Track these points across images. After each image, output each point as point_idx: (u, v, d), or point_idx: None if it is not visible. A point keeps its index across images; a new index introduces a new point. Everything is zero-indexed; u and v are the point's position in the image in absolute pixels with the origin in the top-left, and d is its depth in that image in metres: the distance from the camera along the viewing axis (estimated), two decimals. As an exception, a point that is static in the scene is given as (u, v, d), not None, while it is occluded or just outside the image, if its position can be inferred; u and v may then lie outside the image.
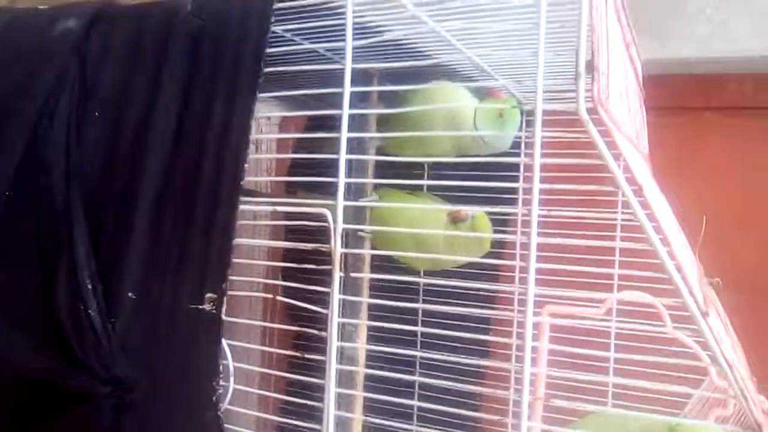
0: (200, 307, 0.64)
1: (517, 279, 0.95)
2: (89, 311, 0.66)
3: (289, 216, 0.67)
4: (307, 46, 0.77)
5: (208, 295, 0.64)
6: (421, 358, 0.81)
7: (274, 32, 0.67)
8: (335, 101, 0.65)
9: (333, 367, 0.60)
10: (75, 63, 0.73)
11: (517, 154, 0.94)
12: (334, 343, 0.60)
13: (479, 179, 0.64)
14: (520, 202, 0.91)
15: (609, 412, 0.70)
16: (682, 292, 0.46)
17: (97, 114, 0.71)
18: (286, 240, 0.83)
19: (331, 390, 0.60)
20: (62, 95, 0.73)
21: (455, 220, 0.91)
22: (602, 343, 0.89)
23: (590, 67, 0.50)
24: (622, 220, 0.81)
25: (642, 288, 0.78)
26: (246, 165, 0.65)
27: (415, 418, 0.82)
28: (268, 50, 0.64)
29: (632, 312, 0.84)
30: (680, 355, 0.79)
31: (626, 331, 0.84)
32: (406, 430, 0.62)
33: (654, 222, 0.48)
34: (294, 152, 1.21)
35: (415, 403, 0.64)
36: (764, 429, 0.55)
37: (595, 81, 0.49)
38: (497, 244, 0.99)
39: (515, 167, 0.94)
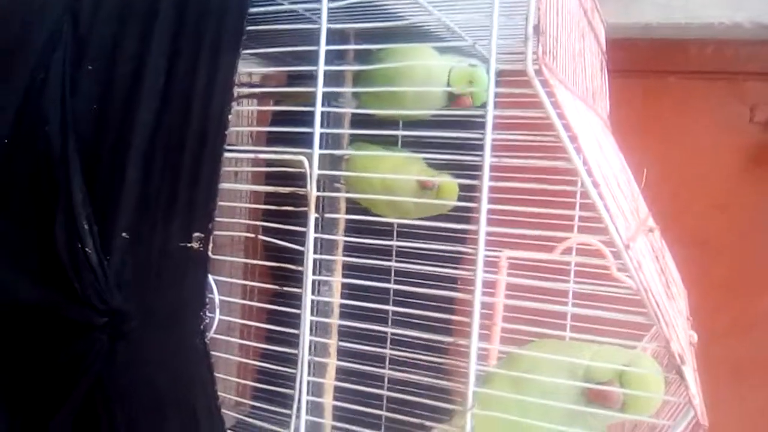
0: (189, 245, 0.70)
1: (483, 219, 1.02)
2: (86, 249, 0.70)
3: (269, 163, 0.73)
4: (287, 6, 0.82)
5: (196, 234, 0.70)
6: (394, 291, 0.87)
7: (256, -7, 0.72)
8: (314, 59, 0.70)
9: (308, 297, 0.67)
10: (68, 20, 0.77)
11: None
12: (309, 277, 0.67)
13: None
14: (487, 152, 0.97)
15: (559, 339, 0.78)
16: (608, 225, 0.53)
17: (90, 68, 0.76)
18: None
19: (307, 318, 0.68)
20: (56, 50, 0.77)
21: (423, 187, 0.98)
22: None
23: (536, 30, 0.56)
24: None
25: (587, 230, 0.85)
26: (230, 116, 0.71)
27: (388, 342, 0.90)
28: (251, 10, 0.70)
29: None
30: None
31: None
32: (377, 352, 0.70)
33: (587, 166, 0.55)
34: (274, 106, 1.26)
35: (389, 329, 0.72)
36: (685, 359, 0.62)
37: (541, 43, 0.56)
38: (469, 188, 1.06)
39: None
